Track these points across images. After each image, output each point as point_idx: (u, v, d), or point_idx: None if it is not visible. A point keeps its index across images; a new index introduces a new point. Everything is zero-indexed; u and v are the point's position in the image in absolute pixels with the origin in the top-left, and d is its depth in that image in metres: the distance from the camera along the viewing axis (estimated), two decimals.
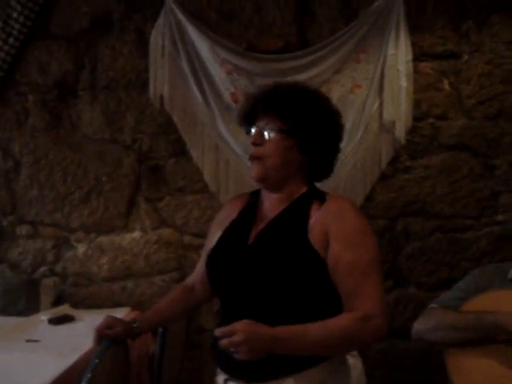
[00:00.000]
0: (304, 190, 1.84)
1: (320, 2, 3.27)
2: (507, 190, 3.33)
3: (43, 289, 3.41)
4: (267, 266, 1.70)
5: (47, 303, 3.38)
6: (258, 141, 1.80)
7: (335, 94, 3.18)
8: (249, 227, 1.84)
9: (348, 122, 3.11)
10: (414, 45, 3.20)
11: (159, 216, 3.42)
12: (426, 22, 3.26)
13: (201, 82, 3.27)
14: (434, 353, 2.61)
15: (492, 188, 3.33)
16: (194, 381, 3.40)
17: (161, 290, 3.41)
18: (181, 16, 3.23)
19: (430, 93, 3.30)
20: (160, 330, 2.44)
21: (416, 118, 3.26)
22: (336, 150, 1.88)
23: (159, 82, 3.28)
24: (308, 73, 3.21)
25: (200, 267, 2.06)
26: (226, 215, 1.98)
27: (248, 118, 1.87)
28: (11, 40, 3.28)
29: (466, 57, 3.28)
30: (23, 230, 3.50)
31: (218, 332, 1.55)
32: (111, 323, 1.95)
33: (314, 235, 1.70)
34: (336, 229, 1.69)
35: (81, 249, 3.47)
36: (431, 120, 3.31)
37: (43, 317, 3.11)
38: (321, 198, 1.80)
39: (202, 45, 3.24)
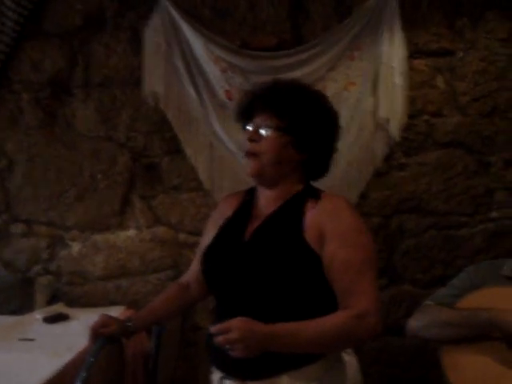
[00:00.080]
0: (300, 187, 1.84)
1: None
2: (502, 187, 3.34)
3: (38, 287, 3.41)
4: (262, 263, 1.69)
5: (42, 302, 3.37)
6: (255, 137, 1.80)
7: (329, 91, 3.16)
8: (244, 225, 1.84)
9: (342, 120, 3.10)
10: (408, 42, 3.19)
11: (154, 214, 3.42)
12: (421, 18, 3.26)
13: (195, 79, 3.27)
14: (429, 350, 2.61)
15: (487, 185, 3.33)
16: (189, 379, 3.41)
17: (156, 288, 3.41)
18: (175, 13, 3.22)
19: (425, 90, 3.30)
20: (155, 328, 2.43)
21: (411, 115, 3.26)
22: (332, 150, 1.88)
23: (153, 80, 3.27)
24: (302, 70, 3.21)
25: (195, 265, 2.06)
26: (221, 213, 1.98)
27: (245, 115, 1.88)
28: (4, 38, 3.27)
29: (460, 54, 3.29)
30: (17, 228, 3.49)
31: (213, 329, 1.55)
32: (106, 322, 1.96)
33: (310, 233, 1.70)
34: (331, 227, 1.69)
35: (75, 247, 3.46)
36: (426, 117, 3.31)
37: (38, 315, 3.10)
38: (316, 195, 1.80)
39: (196, 42, 3.23)
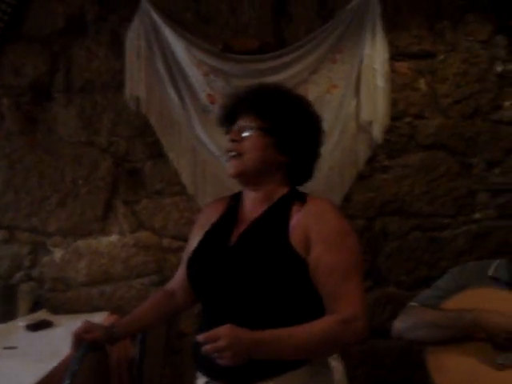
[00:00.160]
0: (285, 191, 1.83)
1: (296, 2, 3.28)
2: (484, 189, 3.36)
3: (20, 294, 3.36)
4: (248, 267, 1.69)
5: (24, 309, 3.33)
6: (237, 138, 1.80)
7: (312, 94, 3.18)
8: (230, 229, 1.83)
9: (325, 123, 3.10)
10: (390, 44, 3.21)
11: (137, 219, 3.40)
12: (402, 21, 3.28)
13: (177, 83, 3.26)
14: (414, 351, 2.63)
15: (469, 186, 3.36)
16: None
17: (139, 293, 3.39)
18: (156, 17, 3.21)
19: (407, 92, 3.32)
20: (139, 334, 2.41)
21: (393, 118, 3.27)
22: (315, 155, 1.88)
23: (135, 84, 3.25)
24: (285, 73, 3.21)
25: (180, 272, 2.05)
26: (207, 218, 1.97)
27: (229, 118, 1.88)
28: None
29: (441, 56, 3.31)
30: None
31: (200, 338, 1.53)
32: (89, 328, 1.94)
33: (295, 237, 1.69)
34: (316, 230, 1.69)
35: (58, 253, 3.42)
36: (408, 119, 3.33)
37: (20, 323, 3.05)
38: (301, 199, 1.79)
39: (177, 46, 3.22)
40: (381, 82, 3.19)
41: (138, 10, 3.22)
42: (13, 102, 3.38)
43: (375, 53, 3.19)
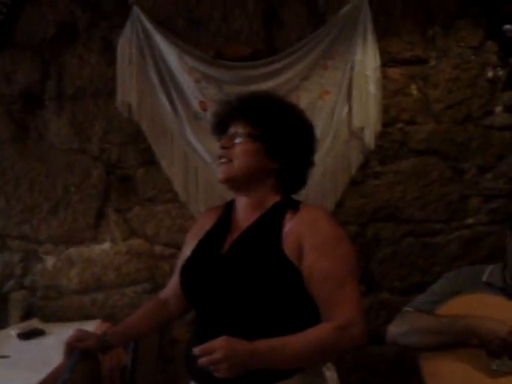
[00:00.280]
0: (277, 199, 1.83)
1: (287, 9, 3.27)
2: (476, 194, 3.37)
3: (12, 303, 3.36)
4: (240, 275, 1.68)
5: (16, 317, 3.32)
6: (228, 144, 1.81)
7: (304, 100, 3.18)
8: (223, 237, 1.83)
9: (317, 129, 3.11)
10: (381, 50, 3.21)
11: (129, 226, 3.38)
12: (394, 27, 3.29)
13: (169, 90, 3.25)
14: (409, 357, 2.62)
15: (461, 192, 3.36)
16: None
17: (132, 301, 3.37)
18: (148, 24, 3.20)
19: (399, 98, 3.32)
20: (132, 343, 2.40)
21: (385, 124, 3.27)
22: (307, 162, 1.89)
23: (127, 91, 3.24)
24: (276, 80, 3.21)
25: (174, 280, 2.05)
26: (201, 227, 1.97)
27: (221, 126, 1.89)
28: None
29: (433, 62, 3.32)
30: None
31: (196, 350, 1.52)
32: (81, 336, 1.94)
33: (288, 244, 1.69)
34: (310, 238, 1.68)
35: (50, 261, 3.41)
36: (400, 125, 3.33)
37: (12, 332, 3.04)
38: (295, 206, 1.79)
39: (169, 53, 3.21)
40: (373, 88, 3.19)
41: (129, 16, 3.21)
42: (4, 110, 3.37)
43: (367, 59, 3.19)
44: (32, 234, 3.40)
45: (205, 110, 3.22)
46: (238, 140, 1.79)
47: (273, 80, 3.20)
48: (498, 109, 3.36)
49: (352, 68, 3.22)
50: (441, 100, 3.33)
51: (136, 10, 3.20)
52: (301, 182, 1.90)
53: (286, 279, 1.67)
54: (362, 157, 3.30)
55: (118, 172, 3.36)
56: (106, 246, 3.39)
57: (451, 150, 3.35)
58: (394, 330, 2.35)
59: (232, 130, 1.83)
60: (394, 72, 3.31)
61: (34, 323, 3.24)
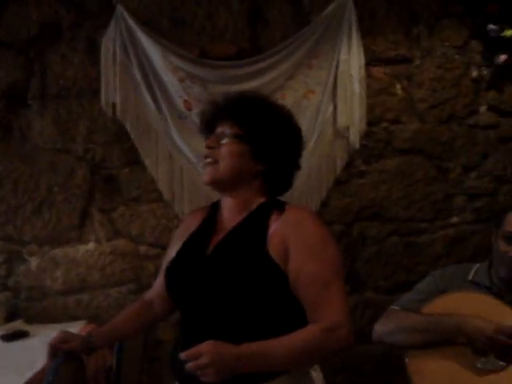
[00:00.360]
0: (263, 200, 1.83)
1: (272, 8, 3.27)
2: (461, 193, 3.38)
3: None
4: (224, 277, 1.68)
5: (0, 319, 3.29)
6: (213, 144, 1.80)
7: (289, 99, 3.18)
8: (207, 239, 1.83)
9: (302, 128, 3.11)
10: (366, 50, 3.23)
11: (114, 227, 3.36)
12: (378, 27, 3.30)
13: (153, 89, 3.23)
14: (394, 355, 2.62)
15: (446, 191, 3.38)
16: None
17: (117, 301, 3.36)
18: (132, 23, 3.18)
19: (383, 97, 3.33)
20: (117, 343, 2.39)
21: (370, 123, 3.28)
22: (294, 165, 1.88)
23: (111, 90, 3.22)
24: (261, 79, 3.20)
25: (159, 282, 2.05)
26: (186, 228, 1.96)
27: (208, 126, 1.89)
28: None
29: (417, 61, 3.33)
30: None
31: (182, 355, 1.51)
32: (65, 338, 1.94)
33: (273, 246, 1.68)
34: (296, 240, 1.68)
35: (34, 262, 3.38)
36: (385, 124, 3.34)
37: None
38: (280, 207, 1.78)
39: (153, 52, 3.20)
40: (357, 87, 3.20)
41: (113, 16, 3.19)
42: None
43: (351, 58, 3.20)
44: (16, 234, 3.37)
45: (189, 109, 3.21)
46: (224, 141, 1.79)
47: (258, 79, 3.19)
48: (483, 108, 3.38)
49: (337, 67, 3.22)
50: (425, 99, 3.34)
51: (120, 9, 3.18)
52: (286, 184, 1.90)
53: (271, 280, 1.66)
54: (347, 156, 3.30)
55: (102, 172, 3.34)
56: (91, 246, 3.37)
57: (436, 149, 3.36)
58: (381, 328, 2.36)
59: (219, 129, 1.82)
60: (379, 71, 3.31)
61: (18, 325, 3.22)
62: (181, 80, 3.20)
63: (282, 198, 1.88)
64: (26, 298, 3.39)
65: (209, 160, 1.80)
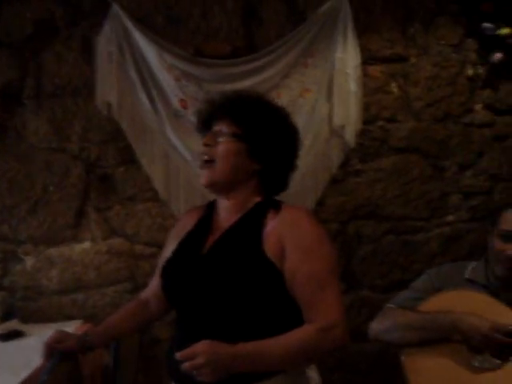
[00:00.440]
0: (259, 199, 1.83)
1: (267, 6, 3.27)
2: (456, 191, 3.39)
3: None
4: (220, 276, 1.68)
5: None
6: (210, 142, 1.80)
7: (284, 98, 3.17)
8: (204, 238, 1.83)
9: (298, 127, 3.11)
10: (362, 48, 3.22)
11: (109, 226, 3.36)
12: (374, 25, 3.30)
13: (149, 88, 3.22)
14: (390, 354, 2.62)
15: (442, 189, 3.38)
16: None
17: (113, 300, 3.35)
18: (127, 22, 3.17)
19: (379, 96, 3.33)
20: (113, 343, 2.39)
21: (365, 122, 3.28)
22: (290, 165, 1.88)
23: (106, 89, 3.21)
24: (257, 78, 3.20)
25: (154, 281, 2.05)
26: (182, 227, 1.96)
27: (206, 124, 1.89)
28: None
29: (413, 60, 3.34)
30: None
31: (178, 356, 1.52)
32: (60, 337, 1.94)
33: (269, 245, 1.68)
34: (292, 239, 1.68)
35: (29, 262, 3.37)
36: (381, 123, 3.34)
37: None
38: (276, 207, 1.78)
39: (148, 51, 3.19)
40: (353, 85, 3.20)
41: (108, 14, 3.18)
42: None
43: (347, 56, 3.19)
44: (11, 234, 3.36)
45: (185, 108, 3.20)
46: (221, 139, 1.79)
47: (253, 78, 3.19)
48: (478, 106, 3.39)
49: (332, 66, 3.22)
50: (421, 98, 3.34)
51: (115, 7, 3.17)
52: (282, 184, 1.90)
53: (267, 280, 1.66)
54: (343, 155, 3.30)
55: (97, 171, 3.33)
56: (86, 245, 3.36)
57: (431, 147, 3.36)
58: (377, 326, 2.36)
59: (216, 128, 1.82)
60: (375, 70, 3.32)
61: (14, 324, 3.22)
62: (176, 79, 3.19)
63: (277, 197, 1.88)
64: (21, 297, 3.38)
65: (205, 157, 1.79)
